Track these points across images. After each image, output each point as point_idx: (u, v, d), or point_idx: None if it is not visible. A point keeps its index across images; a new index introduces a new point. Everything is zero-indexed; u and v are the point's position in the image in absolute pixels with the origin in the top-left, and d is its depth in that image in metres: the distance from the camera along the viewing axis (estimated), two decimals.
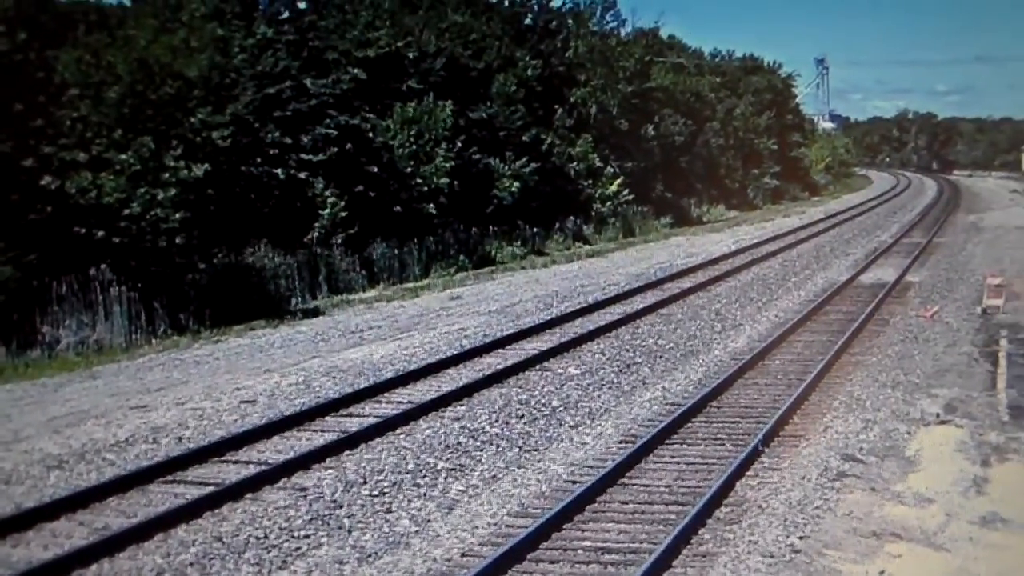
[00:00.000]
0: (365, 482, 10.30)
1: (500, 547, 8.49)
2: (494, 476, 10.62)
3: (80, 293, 17.99)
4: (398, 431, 12.02)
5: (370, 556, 8.61)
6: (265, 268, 22.87)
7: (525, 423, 12.51)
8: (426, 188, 28.57)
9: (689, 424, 12.32)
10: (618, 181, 40.30)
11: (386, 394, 13.75)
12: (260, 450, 11.36)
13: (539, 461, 11.12)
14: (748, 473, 10.50)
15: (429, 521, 9.39)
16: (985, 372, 15.34)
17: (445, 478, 10.52)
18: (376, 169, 27.36)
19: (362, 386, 14.04)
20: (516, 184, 32.88)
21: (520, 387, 14.24)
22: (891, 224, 45.28)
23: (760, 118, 65.82)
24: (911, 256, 30.33)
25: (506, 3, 39.48)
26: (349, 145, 26.56)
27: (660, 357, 16.39)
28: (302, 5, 29.31)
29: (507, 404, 13.29)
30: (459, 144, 30.35)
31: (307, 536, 9.01)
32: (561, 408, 13.23)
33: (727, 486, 9.98)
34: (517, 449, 11.53)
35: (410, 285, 26.39)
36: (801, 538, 8.86)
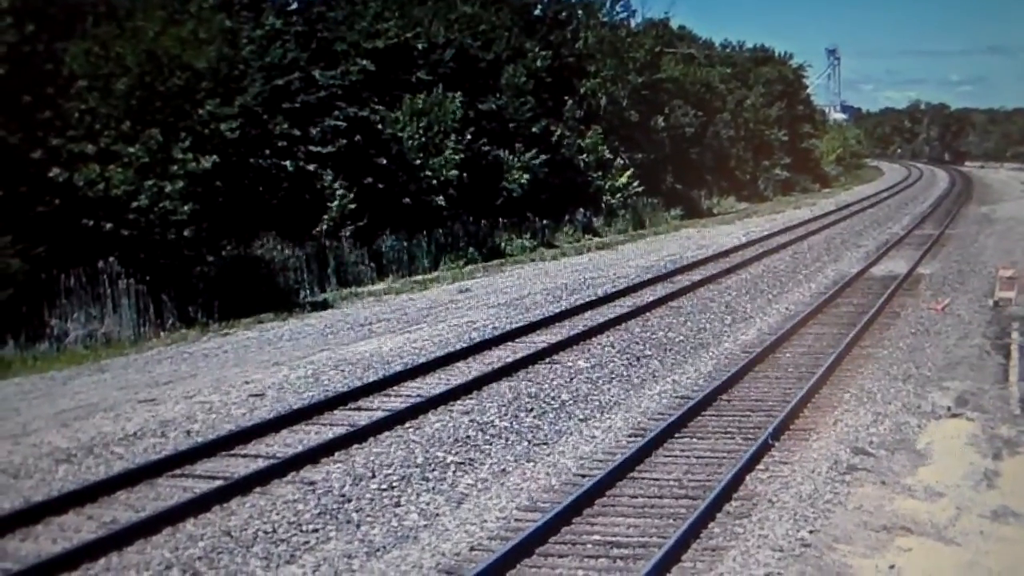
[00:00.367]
0: (374, 476, 10.28)
1: (509, 541, 8.46)
2: (503, 470, 10.59)
3: (88, 286, 18.00)
4: (407, 424, 12.00)
5: (379, 550, 8.59)
6: (274, 260, 22.87)
7: (534, 416, 12.47)
8: (435, 180, 28.53)
9: (699, 417, 12.27)
10: (628, 173, 40.19)
11: (395, 387, 13.72)
12: (269, 444, 11.34)
13: (548, 455, 11.08)
14: (758, 467, 10.46)
15: (438, 515, 9.36)
16: (997, 365, 15.26)
17: (454, 472, 10.49)
18: (385, 161, 27.32)
19: (371, 379, 14.02)
20: (525, 176, 32.81)
21: (529, 380, 14.20)
22: (902, 216, 45.09)
23: (771, 109, 65.56)
24: (922, 248, 30.19)
25: None
26: (358, 137, 26.53)
27: (670, 350, 16.34)
28: None
29: (516, 397, 13.26)
30: (468, 136, 30.29)
31: (316, 530, 8.99)
32: (571, 401, 13.18)
33: (737, 480, 9.93)
34: (526, 443, 11.49)
35: (419, 278, 26.36)
36: (811, 532, 8.82)
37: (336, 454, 10.89)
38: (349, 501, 9.63)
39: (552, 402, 13.12)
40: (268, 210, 23.48)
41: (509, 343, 16.65)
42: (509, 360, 15.15)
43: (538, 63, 36.00)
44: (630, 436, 11.68)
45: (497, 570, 7.92)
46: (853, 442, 11.29)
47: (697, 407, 12.50)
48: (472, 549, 8.56)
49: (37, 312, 17.33)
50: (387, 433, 11.65)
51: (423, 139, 28.63)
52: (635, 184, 40.44)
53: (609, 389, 13.86)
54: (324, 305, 22.01)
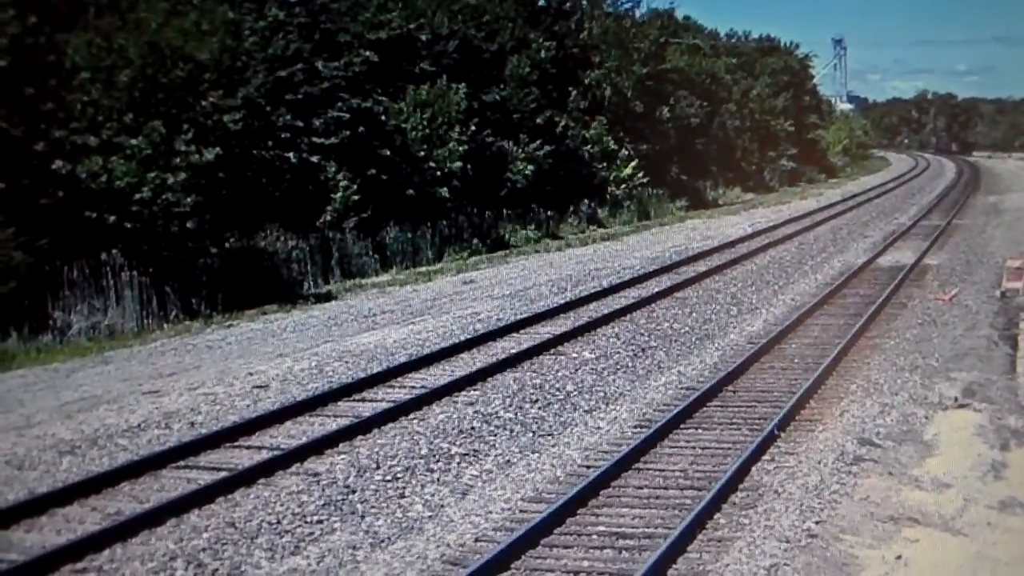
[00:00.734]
0: (378, 467, 10.25)
1: (514, 532, 8.42)
2: (508, 461, 10.56)
3: (92, 278, 17.97)
4: (411, 416, 11.96)
5: (383, 541, 8.57)
6: (277, 252, 22.83)
7: (539, 408, 12.43)
8: (439, 171, 28.46)
9: (705, 408, 12.23)
10: (633, 164, 40.09)
11: (399, 379, 13.69)
12: (273, 435, 11.32)
13: (553, 446, 11.05)
14: (764, 458, 10.41)
15: (443, 506, 9.33)
16: (1004, 356, 15.19)
17: (459, 463, 10.45)
18: (389, 152, 27.26)
19: (375, 371, 13.99)
20: (530, 167, 32.73)
21: (534, 371, 14.16)
22: (909, 206, 44.96)
23: (777, 100, 65.36)
24: (929, 239, 30.09)
25: None
26: (361, 128, 26.46)
27: (675, 341, 16.28)
28: None
29: (521, 389, 13.22)
30: (472, 127, 30.21)
31: (320, 521, 8.96)
32: (575, 392, 13.14)
33: (743, 471, 9.89)
34: (531, 434, 11.45)
35: (423, 269, 26.32)
36: (817, 523, 8.78)
37: (340, 445, 10.86)
38: (353, 492, 9.60)
39: (557, 393, 13.08)
40: (271, 202, 23.43)
41: (514, 334, 16.61)
42: (514, 351, 15.11)
43: (542, 54, 35.88)
44: (635, 427, 11.64)
45: (502, 561, 7.89)
46: (860, 433, 11.24)
47: (703, 398, 12.45)
48: (477, 540, 8.53)
49: (40, 304, 17.31)
50: (391, 424, 11.62)
51: (427, 130, 28.56)
52: (640, 175, 40.33)
53: (614, 380, 13.81)
54: (328, 297, 21.98)
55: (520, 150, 32.79)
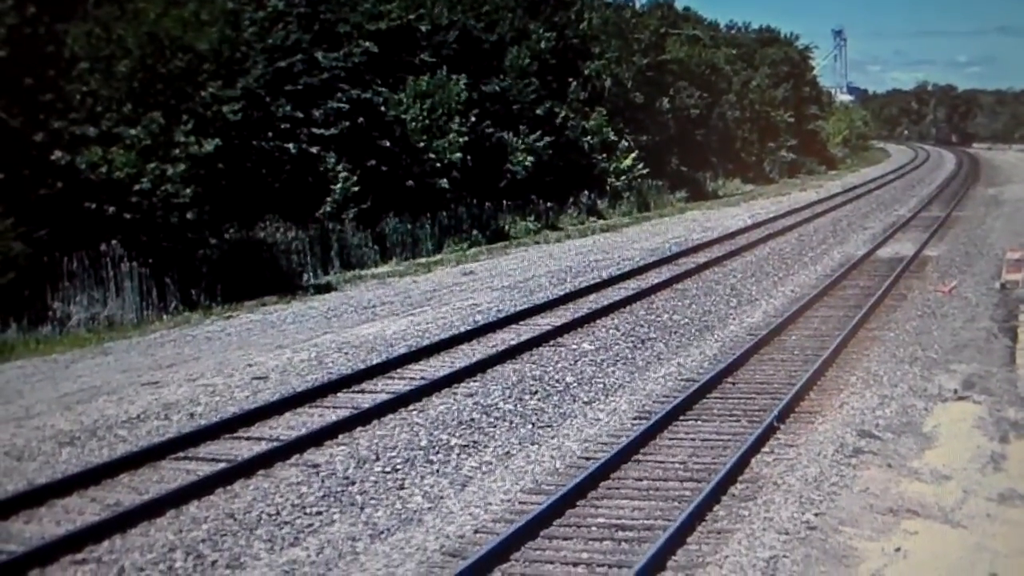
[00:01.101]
0: (378, 458, 10.25)
1: (513, 524, 8.42)
2: (507, 452, 10.56)
3: (91, 269, 17.96)
4: (411, 407, 11.96)
5: (382, 533, 8.57)
6: (277, 243, 22.81)
7: (539, 399, 12.43)
8: (439, 163, 28.42)
9: (704, 400, 12.22)
10: (633, 155, 40.04)
11: (399, 370, 13.68)
12: (272, 426, 11.32)
13: (553, 437, 11.05)
14: (764, 449, 10.41)
15: (442, 498, 9.33)
16: (1004, 347, 15.19)
17: (458, 454, 10.46)
18: (388, 143, 27.21)
19: (374, 362, 13.99)
20: (530, 158, 32.69)
21: (534, 363, 14.16)
22: (909, 198, 44.93)
23: (777, 91, 65.26)
24: (929, 230, 30.07)
25: None
26: (361, 119, 26.41)
27: (675, 332, 16.28)
28: None
29: (521, 380, 13.22)
30: (472, 118, 30.16)
31: (319, 513, 8.96)
32: (575, 384, 13.14)
33: (742, 463, 9.89)
34: (531, 425, 11.45)
35: (423, 260, 26.31)
36: (817, 515, 8.78)
37: (340, 437, 10.86)
38: (353, 484, 9.60)
39: (556, 385, 13.07)
40: (271, 193, 23.40)
41: (513, 326, 16.60)
42: (513, 343, 15.10)
43: (542, 44, 35.81)
44: (635, 419, 11.63)
45: (502, 553, 7.89)
46: (859, 425, 11.24)
47: (702, 390, 12.45)
48: (477, 532, 8.53)
49: (40, 295, 17.30)
50: (391, 416, 11.62)
51: (427, 121, 28.51)
52: (640, 166, 40.28)
53: (614, 372, 13.81)
54: (327, 288, 21.97)
55: (520, 141, 32.74)
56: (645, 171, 40.75)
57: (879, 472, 9.88)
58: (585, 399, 12.51)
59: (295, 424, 11.38)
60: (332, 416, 11.53)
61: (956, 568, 8.00)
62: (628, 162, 39.67)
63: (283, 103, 23.65)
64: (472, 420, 11.54)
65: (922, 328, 16.45)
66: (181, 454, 10.37)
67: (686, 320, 17.23)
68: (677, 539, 8.13)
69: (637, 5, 50.25)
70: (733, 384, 13.01)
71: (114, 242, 18.32)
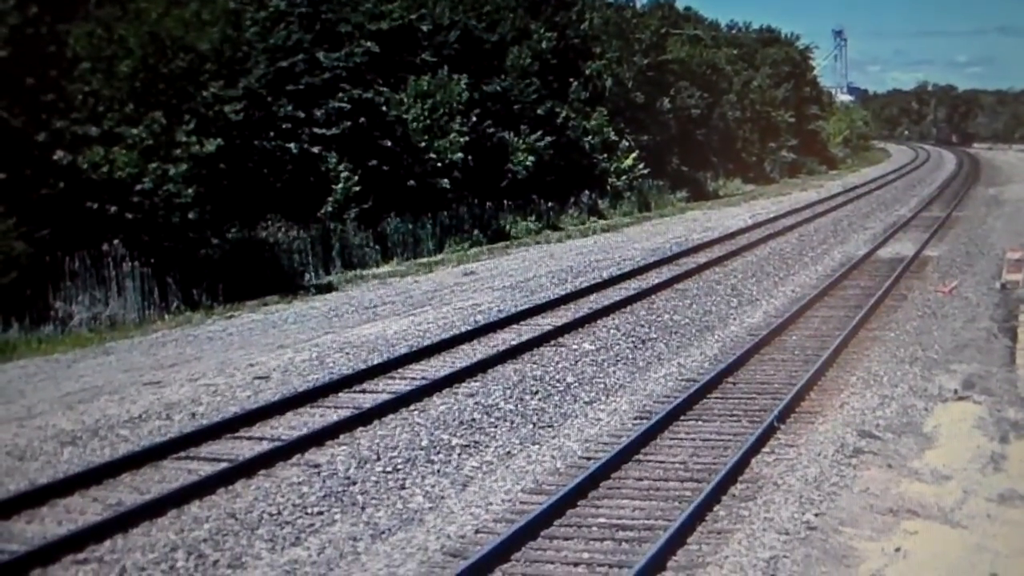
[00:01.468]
0: (379, 458, 10.27)
1: (514, 524, 8.44)
2: (508, 452, 10.58)
3: (93, 269, 17.98)
4: (412, 407, 11.98)
5: (383, 533, 8.59)
6: (278, 243, 22.83)
7: (539, 399, 12.45)
8: (440, 162, 28.43)
9: (705, 400, 12.24)
10: (633, 155, 40.05)
11: (400, 370, 13.70)
12: (273, 426, 11.34)
13: (553, 437, 11.06)
14: (764, 450, 10.43)
15: (443, 498, 9.35)
16: (1004, 348, 15.20)
17: (459, 454, 10.47)
18: (390, 143, 27.23)
19: (376, 362, 14.00)
20: (531, 158, 32.70)
21: (535, 363, 14.18)
22: (910, 198, 44.94)
23: (777, 91, 65.26)
24: (930, 230, 30.08)
25: None
26: (362, 119, 26.43)
27: (676, 332, 16.30)
28: None
29: (521, 380, 13.23)
30: (473, 118, 30.18)
31: (320, 513, 8.98)
32: (576, 384, 13.16)
33: (742, 463, 9.91)
34: (531, 425, 11.47)
35: (424, 260, 26.33)
36: (817, 515, 8.79)
37: (341, 437, 10.88)
38: (354, 484, 9.62)
39: (557, 385, 13.09)
40: (272, 193, 23.42)
41: (514, 326, 16.62)
42: (514, 343, 15.12)
43: (543, 44, 35.82)
44: (636, 419, 11.65)
45: (503, 553, 7.91)
46: (859, 425, 11.26)
47: (703, 390, 12.47)
48: (477, 532, 8.55)
49: (41, 295, 17.33)
50: (392, 416, 11.64)
51: (428, 121, 28.53)
52: (641, 166, 40.30)
53: (614, 372, 13.83)
54: (329, 288, 21.99)
55: (521, 141, 32.76)
56: (646, 171, 40.76)
57: (879, 472, 9.89)
58: (586, 399, 12.53)
59: (296, 424, 11.40)
60: (333, 416, 11.55)
61: (956, 568, 8.02)
62: (629, 162, 39.68)
63: (284, 103, 23.67)
64: (473, 420, 11.56)
65: (922, 328, 16.46)
66: (183, 454, 10.39)
67: (687, 320, 17.24)
68: (677, 539, 8.15)
69: (638, 5, 50.33)
70: (734, 384, 13.03)
71: (116, 242, 18.34)
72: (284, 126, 23.63)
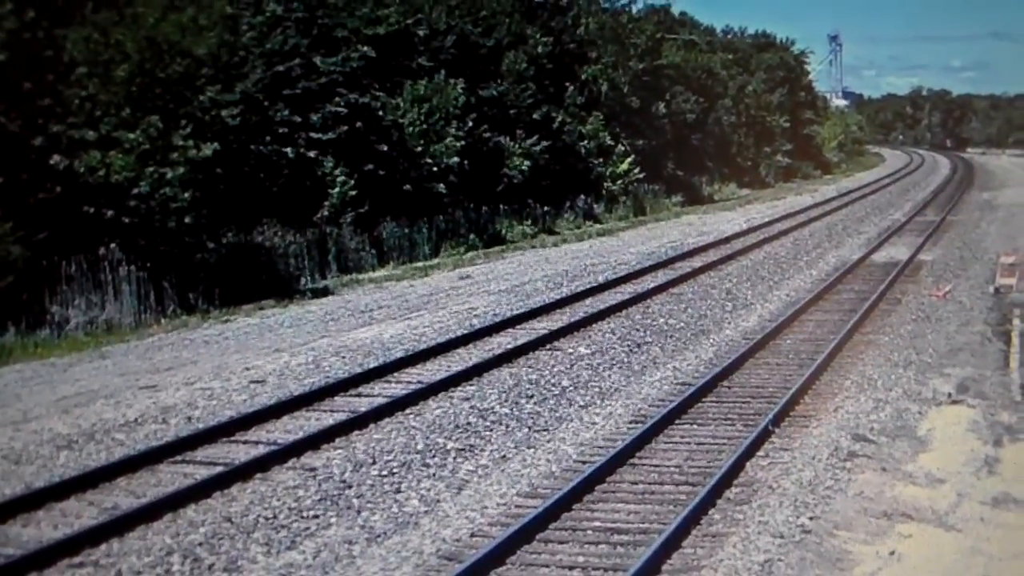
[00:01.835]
0: (374, 462, 10.29)
1: (509, 527, 8.47)
2: (504, 456, 10.60)
3: (89, 273, 17.99)
4: (407, 411, 12.00)
5: (379, 536, 8.61)
6: (274, 247, 22.86)
7: (535, 403, 12.48)
8: (436, 167, 28.48)
9: (700, 404, 12.27)
10: (629, 159, 40.12)
11: (395, 374, 13.72)
12: (269, 430, 11.35)
13: (549, 441, 11.09)
14: (759, 453, 10.45)
15: (438, 501, 9.37)
16: (998, 351, 15.24)
17: (454, 458, 10.50)
18: (386, 148, 27.27)
19: (371, 366, 14.02)
20: (526, 162, 32.76)
21: (530, 367, 14.20)
22: (904, 202, 45.03)
23: (772, 95, 65.43)
24: (924, 235, 30.15)
25: None
26: (359, 123, 26.47)
27: (671, 336, 16.33)
28: None
29: (517, 384, 13.26)
30: (469, 122, 30.23)
31: (316, 516, 9.00)
32: (571, 388, 13.18)
33: (737, 466, 9.93)
34: (527, 429, 11.50)
35: (420, 264, 26.35)
36: (811, 518, 8.82)
37: (337, 440, 10.90)
38: (350, 487, 9.64)
39: (553, 388, 13.12)
40: (269, 197, 23.44)
41: (510, 329, 16.65)
42: (510, 346, 15.14)
43: (539, 49, 35.89)
44: (630, 422, 11.68)
45: (498, 556, 7.93)
46: (854, 428, 11.29)
47: (698, 393, 12.50)
48: (472, 535, 8.57)
49: (38, 299, 17.33)
50: (387, 419, 11.66)
51: (424, 126, 28.57)
52: (636, 171, 40.37)
53: (610, 376, 13.85)
54: (325, 292, 22.01)
55: (517, 145, 32.81)
56: (641, 175, 40.84)
57: (874, 476, 9.92)
58: (581, 403, 12.55)
59: (292, 428, 11.42)
60: (329, 420, 11.57)
61: (950, 571, 8.05)
62: (624, 166, 39.76)
63: (281, 107, 23.70)
64: (468, 424, 11.59)
65: (917, 332, 16.50)
66: (179, 458, 10.40)
67: (682, 324, 17.28)
68: (672, 543, 8.18)
69: (634, 10, 50.37)
70: (728, 388, 13.06)
71: (112, 246, 18.36)
72: (281, 130, 23.66)
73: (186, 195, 19.21)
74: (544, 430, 11.48)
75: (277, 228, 23.29)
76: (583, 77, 39.51)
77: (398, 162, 27.64)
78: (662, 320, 17.59)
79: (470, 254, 28.16)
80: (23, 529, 8.74)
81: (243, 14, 23.21)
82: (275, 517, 8.94)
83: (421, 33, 30.33)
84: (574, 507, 9.05)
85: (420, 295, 21.02)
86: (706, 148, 52.74)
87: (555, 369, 14.08)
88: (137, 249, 18.76)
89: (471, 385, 13.18)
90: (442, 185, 28.63)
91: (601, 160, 38.76)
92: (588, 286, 20.88)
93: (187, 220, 19.47)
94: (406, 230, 27.51)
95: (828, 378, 13.51)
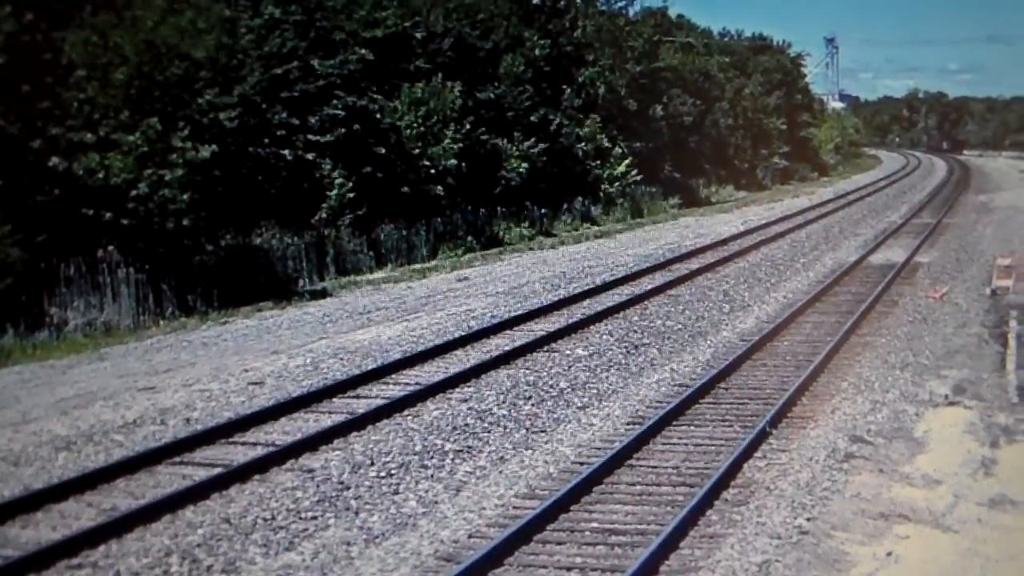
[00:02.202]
0: (373, 463, 10.30)
1: (508, 528, 8.49)
2: (502, 457, 10.62)
3: (88, 275, 18.00)
4: (405, 412, 12.02)
5: (377, 537, 8.63)
6: (273, 249, 22.88)
7: (533, 404, 12.50)
8: (434, 169, 28.51)
9: (697, 405, 12.30)
10: (626, 162, 40.17)
11: (394, 375, 13.74)
12: (268, 431, 11.37)
13: (547, 442, 11.11)
14: (756, 455, 10.48)
15: (437, 503, 9.39)
16: (995, 353, 15.27)
17: (453, 459, 10.52)
18: (384, 150, 27.30)
19: (370, 367, 14.04)
20: (524, 165, 32.79)
21: (528, 368, 14.22)
22: (901, 204, 45.09)
23: (769, 98, 65.51)
24: (920, 237, 30.20)
25: None
26: (357, 126, 26.50)
27: (668, 338, 16.36)
28: None
29: (515, 385, 13.28)
30: (467, 125, 30.26)
31: (315, 517, 9.02)
32: (569, 389, 13.21)
33: (735, 467, 9.96)
34: (525, 430, 11.52)
35: (418, 266, 26.37)
36: (809, 520, 8.85)
37: (335, 442, 10.91)
38: (348, 488, 9.66)
39: (550, 390, 13.14)
40: (267, 199, 23.47)
41: (507, 331, 16.67)
42: (507, 348, 15.16)
43: (537, 52, 35.94)
44: (628, 424, 11.71)
45: (496, 557, 7.96)
46: (851, 430, 11.31)
47: (695, 395, 12.53)
48: (471, 536, 8.59)
49: (37, 301, 17.34)
50: (386, 421, 11.67)
51: (422, 128, 28.61)
52: (633, 173, 40.42)
53: (607, 377, 13.88)
54: (323, 294, 22.03)
55: (514, 148, 32.85)
56: (638, 178, 40.89)
57: (871, 477, 9.95)
58: (579, 404, 12.58)
59: (291, 429, 11.44)
60: (327, 421, 11.59)
61: (947, 573, 8.07)
62: (622, 169, 39.80)
63: (279, 110, 23.72)
64: (467, 425, 11.61)
65: (913, 334, 16.54)
66: (177, 459, 10.42)
67: (679, 326, 17.31)
68: (670, 544, 8.20)
69: (631, 13, 50.47)
70: (726, 389, 13.09)
71: (111, 248, 18.37)
72: (279, 133, 23.69)
73: (184, 197, 19.24)
74: (542, 431, 11.50)
75: (275, 230, 23.32)
76: (580, 80, 39.56)
77: (396, 164, 27.67)
78: (659, 322, 17.62)
79: (468, 256, 28.18)
80: (22, 530, 8.76)
81: (241, 17, 23.26)
82: (273, 518, 8.96)
83: (419, 36, 30.36)
84: (572, 508, 9.07)
85: (418, 297, 21.04)
86: (703, 150, 52.80)
87: (553, 371, 14.10)
88: (136, 251, 18.77)
89: (469, 387, 13.20)
90: (440, 187, 28.67)
91: (598, 162, 38.81)
92: (586, 288, 20.90)
93: (185, 222, 19.49)
94: (404, 232, 27.53)
95: (825, 380, 13.54)
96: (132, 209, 18.81)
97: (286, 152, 23.69)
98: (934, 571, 8.09)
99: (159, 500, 9.15)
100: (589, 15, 43.03)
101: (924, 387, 13.24)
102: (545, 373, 13.96)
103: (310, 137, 24.90)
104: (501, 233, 31.59)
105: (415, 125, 28.49)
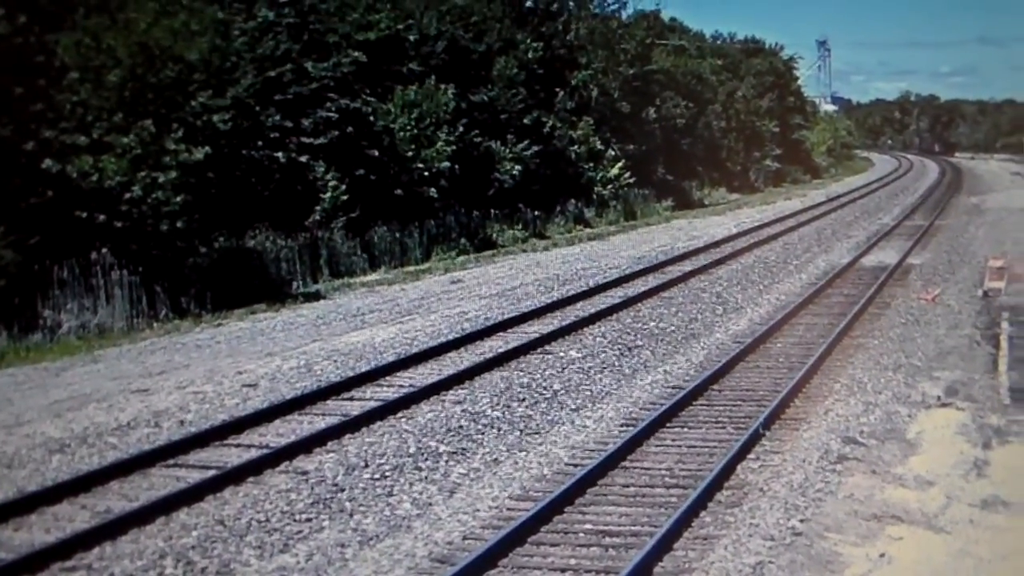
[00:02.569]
0: (367, 465, 10.32)
1: (501, 530, 8.51)
2: (495, 459, 10.64)
3: (81, 277, 17.97)
4: (399, 414, 12.04)
5: (371, 539, 8.64)
6: (266, 252, 22.86)
7: (526, 406, 12.52)
8: (427, 171, 28.52)
9: (690, 407, 12.33)
10: (619, 164, 40.22)
11: (387, 377, 13.75)
12: (262, 433, 11.38)
13: (540, 444, 11.13)
14: (749, 456, 10.51)
15: (431, 504, 9.41)
16: (987, 355, 15.32)
17: (446, 461, 10.53)
18: (377, 152, 27.31)
19: (363, 369, 14.05)
20: (517, 167, 32.82)
21: (521, 370, 14.24)
22: (893, 207, 45.21)
23: (762, 101, 65.62)
24: (913, 238, 30.29)
25: None
26: (350, 128, 26.50)
27: (661, 340, 16.39)
28: None
29: (508, 387, 13.30)
30: (460, 127, 30.28)
31: (309, 519, 9.03)
32: (562, 391, 13.23)
33: (728, 469, 9.99)
34: (518, 432, 11.54)
35: (411, 268, 26.38)
36: (802, 521, 8.87)
37: (329, 444, 10.93)
38: (342, 491, 9.67)
39: (544, 392, 13.16)
40: (260, 201, 23.44)
41: (501, 333, 16.69)
42: (501, 350, 15.19)
43: (530, 55, 35.98)
44: (622, 426, 11.73)
45: (490, 559, 7.97)
46: (844, 432, 11.35)
47: (688, 397, 12.56)
48: (465, 538, 8.61)
49: (30, 303, 17.30)
50: (380, 423, 11.69)
51: (415, 130, 28.61)
52: (626, 175, 40.47)
53: (601, 379, 13.91)
54: (316, 296, 22.02)
55: (507, 150, 32.87)
56: (631, 180, 40.94)
57: (864, 478, 9.98)
58: (573, 406, 12.60)
59: (284, 431, 11.44)
60: (321, 423, 11.60)
61: (940, 573, 8.11)
62: (615, 171, 39.85)
63: (272, 112, 23.69)
64: (460, 427, 11.62)
65: (906, 335, 16.59)
66: (171, 461, 10.42)
67: (672, 328, 17.34)
68: (664, 545, 8.22)
69: (623, 16, 50.54)
70: (719, 391, 13.13)
71: (104, 250, 18.33)
72: (272, 135, 23.66)
73: (178, 199, 19.21)
74: (536, 433, 11.52)
75: (269, 232, 23.30)
76: (573, 82, 39.60)
77: (389, 167, 27.67)
78: (652, 324, 17.65)
79: (461, 258, 28.19)
80: (15, 533, 8.75)
81: (234, 19, 23.23)
82: (267, 520, 8.97)
83: (412, 38, 30.37)
84: (566, 510, 9.09)
85: (411, 299, 21.05)
86: (696, 153, 52.88)
87: (546, 373, 14.12)
88: (129, 253, 18.74)
89: (463, 389, 13.22)
90: (433, 190, 28.67)
91: (591, 165, 38.85)
92: (579, 290, 20.93)
93: (179, 224, 19.47)
94: (397, 234, 27.53)
95: (818, 381, 13.58)
96: (125, 211, 18.78)
97: (279, 154, 23.66)
98: (927, 572, 8.12)
99: (153, 502, 9.15)
100: (582, 18, 43.07)
101: (917, 388, 13.28)
102: (539, 375, 13.98)
103: (303, 139, 24.88)
104: (494, 235, 31.61)
105: (408, 127, 28.50)
